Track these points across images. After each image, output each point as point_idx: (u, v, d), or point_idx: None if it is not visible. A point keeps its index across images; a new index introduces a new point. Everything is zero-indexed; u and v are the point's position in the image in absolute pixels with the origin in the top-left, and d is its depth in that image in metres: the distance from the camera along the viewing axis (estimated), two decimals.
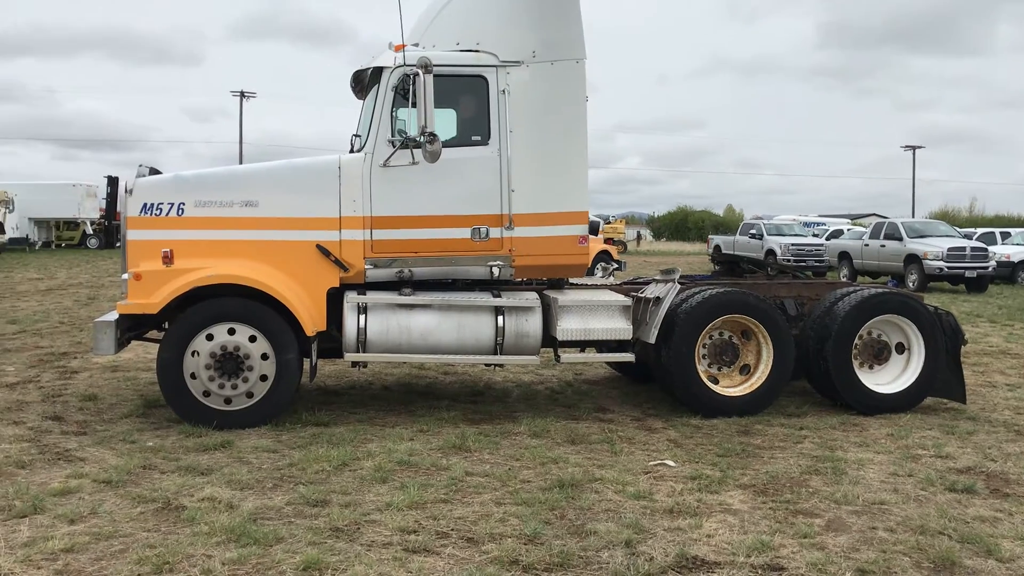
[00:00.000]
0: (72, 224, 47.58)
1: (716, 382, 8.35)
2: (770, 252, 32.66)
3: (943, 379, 8.68)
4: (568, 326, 7.98)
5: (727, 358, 8.37)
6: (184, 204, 7.80)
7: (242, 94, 69.51)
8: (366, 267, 7.93)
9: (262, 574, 4.50)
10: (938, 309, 8.91)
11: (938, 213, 63.23)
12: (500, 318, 7.96)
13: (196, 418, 7.49)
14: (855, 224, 42.58)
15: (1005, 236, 33.62)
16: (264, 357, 7.57)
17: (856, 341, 8.49)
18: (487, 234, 8.07)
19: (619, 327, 8.11)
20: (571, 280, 8.86)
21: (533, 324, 8.03)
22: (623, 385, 10.06)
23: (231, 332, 7.53)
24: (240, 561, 4.64)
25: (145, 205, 7.79)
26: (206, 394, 7.53)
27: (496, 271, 8.12)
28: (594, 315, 8.10)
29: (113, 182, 46.96)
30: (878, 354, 8.64)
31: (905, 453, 7.04)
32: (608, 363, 10.10)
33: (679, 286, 8.30)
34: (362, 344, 7.78)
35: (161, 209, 7.79)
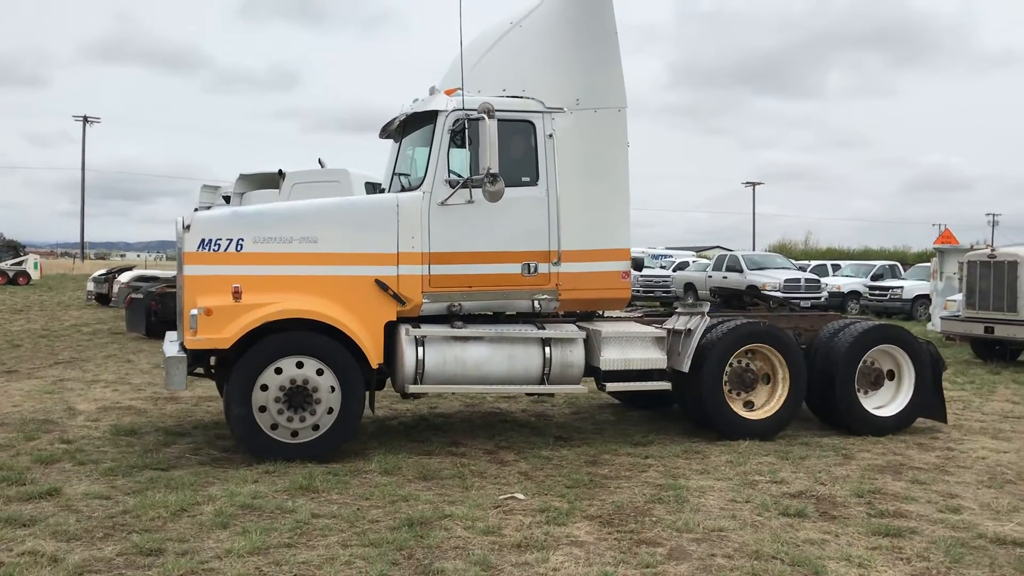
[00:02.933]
0: None
1: (747, 406, 8.97)
2: None
3: (928, 402, 9.48)
4: (610, 356, 8.46)
5: (747, 384, 8.96)
6: (243, 240, 7.89)
7: (85, 119, 66.39)
8: (424, 301, 8.20)
9: None
10: (920, 339, 9.71)
11: (776, 246, 66.72)
12: (547, 349, 8.35)
13: (263, 451, 7.57)
14: (700, 256, 44.41)
15: (836, 268, 35.83)
16: (331, 390, 7.73)
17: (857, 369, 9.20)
18: (536, 269, 8.47)
19: (655, 357, 8.66)
20: (599, 313, 9.25)
21: (577, 355, 8.46)
22: (477, 417, 10.07)
23: (299, 366, 7.66)
24: None
25: (203, 241, 7.83)
26: (273, 427, 7.62)
27: (539, 304, 8.54)
28: (632, 346, 8.61)
29: None
30: (875, 381, 9.38)
31: (743, 479, 7.33)
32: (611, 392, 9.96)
33: (708, 319, 8.86)
34: (420, 376, 8.03)
35: (220, 244, 7.84)
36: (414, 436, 8.98)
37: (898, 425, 9.28)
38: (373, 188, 21.46)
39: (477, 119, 7.87)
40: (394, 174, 9.12)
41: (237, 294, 7.62)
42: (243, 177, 22.15)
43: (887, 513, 6.38)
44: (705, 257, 42.11)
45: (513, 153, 8.46)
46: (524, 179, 8.46)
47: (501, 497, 6.67)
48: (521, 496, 6.69)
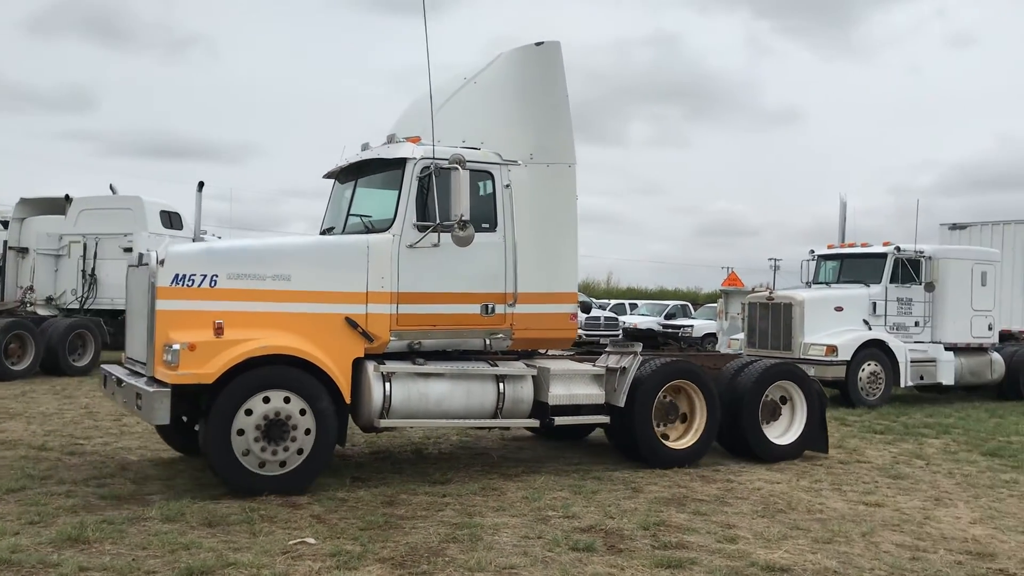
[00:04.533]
0: None
1: (665, 438, 9.71)
2: None
3: (814, 433, 10.50)
4: (557, 392, 9.09)
5: (671, 417, 9.78)
6: (217, 276, 8.03)
7: None
8: (391, 339, 8.53)
9: None
10: (809, 376, 10.83)
11: (580, 285, 69.13)
12: (501, 385, 8.89)
13: (241, 484, 7.72)
14: None
15: (634, 307, 37.50)
16: (302, 412, 7.91)
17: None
18: (493, 310, 9.00)
19: (595, 393, 9.36)
20: (538, 351, 9.83)
21: (527, 390, 9.04)
22: None
23: (266, 400, 7.78)
24: None
25: (177, 276, 7.92)
26: (261, 465, 7.79)
27: (491, 343, 9.06)
28: (576, 383, 9.29)
29: None
30: (772, 413, 10.37)
31: (537, 515, 7.43)
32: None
33: (641, 357, 9.52)
34: (386, 411, 8.37)
35: (193, 280, 7.95)
36: (202, 480, 8.53)
37: (793, 453, 10.32)
38: (168, 217, 20.59)
39: (449, 168, 8.34)
40: (349, 214, 9.37)
41: (220, 330, 7.76)
42: (24, 201, 20.64)
43: (670, 545, 6.64)
44: None
45: (473, 201, 8.79)
46: (484, 225, 8.92)
47: (291, 542, 6.42)
48: (312, 540, 6.48)
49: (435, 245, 8.56)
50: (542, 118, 9.54)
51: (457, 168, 8.28)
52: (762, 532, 7.11)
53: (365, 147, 9.60)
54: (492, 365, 9.00)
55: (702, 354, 11.37)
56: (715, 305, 28.67)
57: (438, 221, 8.51)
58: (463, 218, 8.23)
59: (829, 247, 18.78)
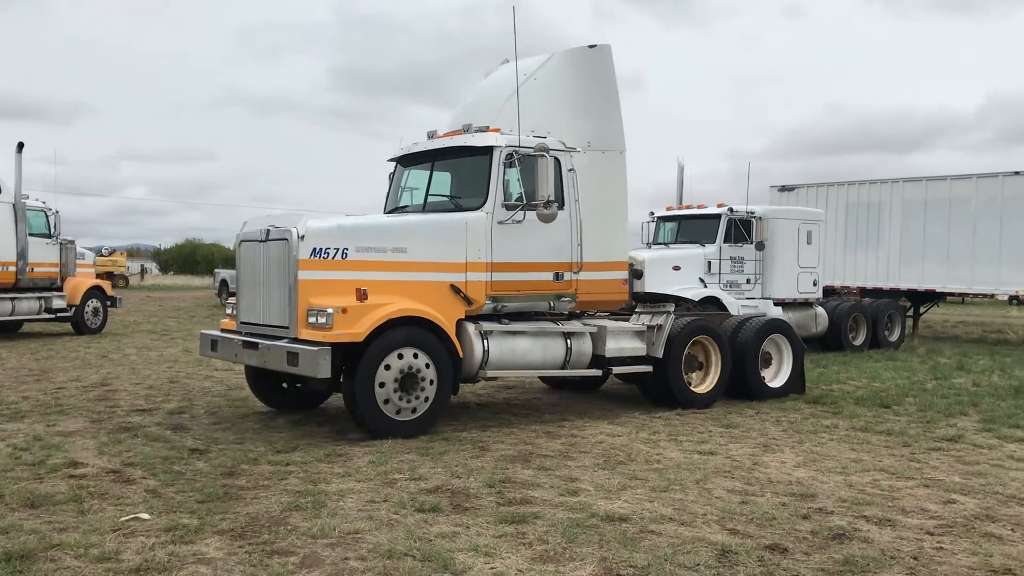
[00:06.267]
0: None
1: (692, 384, 11.47)
2: None
3: (796, 377, 12.47)
4: (612, 346, 10.63)
5: (692, 366, 11.49)
6: (347, 249, 9.15)
7: None
8: (486, 302, 9.78)
9: None
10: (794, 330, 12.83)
11: None
12: (569, 341, 10.33)
13: (390, 432, 8.90)
14: None
15: None
16: (427, 366, 9.15)
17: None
18: (563, 276, 10.36)
19: (639, 346, 10.97)
20: (587, 312, 11.10)
21: (588, 345, 10.54)
22: (104, 433, 9.23)
23: (400, 356, 8.98)
24: None
25: (315, 249, 8.99)
26: (396, 412, 9.01)
27: (555, 305, 10.40)
28: (624, 338, 10.85)
29: None
30: (767, 361, 12.33)
31: (384, 479, 7.39)
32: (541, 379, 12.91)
33: (674, 316, 11.24)
34: (485, 364, 9.67)
35: (328, 253, 9.05)
36: (25, 459, 8.01)
37: (783, 393, 12.25)
38: None
39: (535, 155, 9.62)
40: (429, 194, 10.61)
41: (364, 295, 8.91)
42: None
43: (514, 501, 6.76)
44: None
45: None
46: (555, 204, 9.92)
47: (122, 519, 6.14)
48: (146, 516, 6.21)
49: (518, 222, 9.80)
50: (597, 111, 10.87)
51: (544, 155, 9.55)
52: (603, 484, 7.34)
53: (432, 135, 10.86)
54: (559, 324, 10.31)
55: (705, 313, 13.05)
56: None
57: (524, 202, 9.76)
58: (549, 198, 9.53)
59: (668, 209, 19.42)
